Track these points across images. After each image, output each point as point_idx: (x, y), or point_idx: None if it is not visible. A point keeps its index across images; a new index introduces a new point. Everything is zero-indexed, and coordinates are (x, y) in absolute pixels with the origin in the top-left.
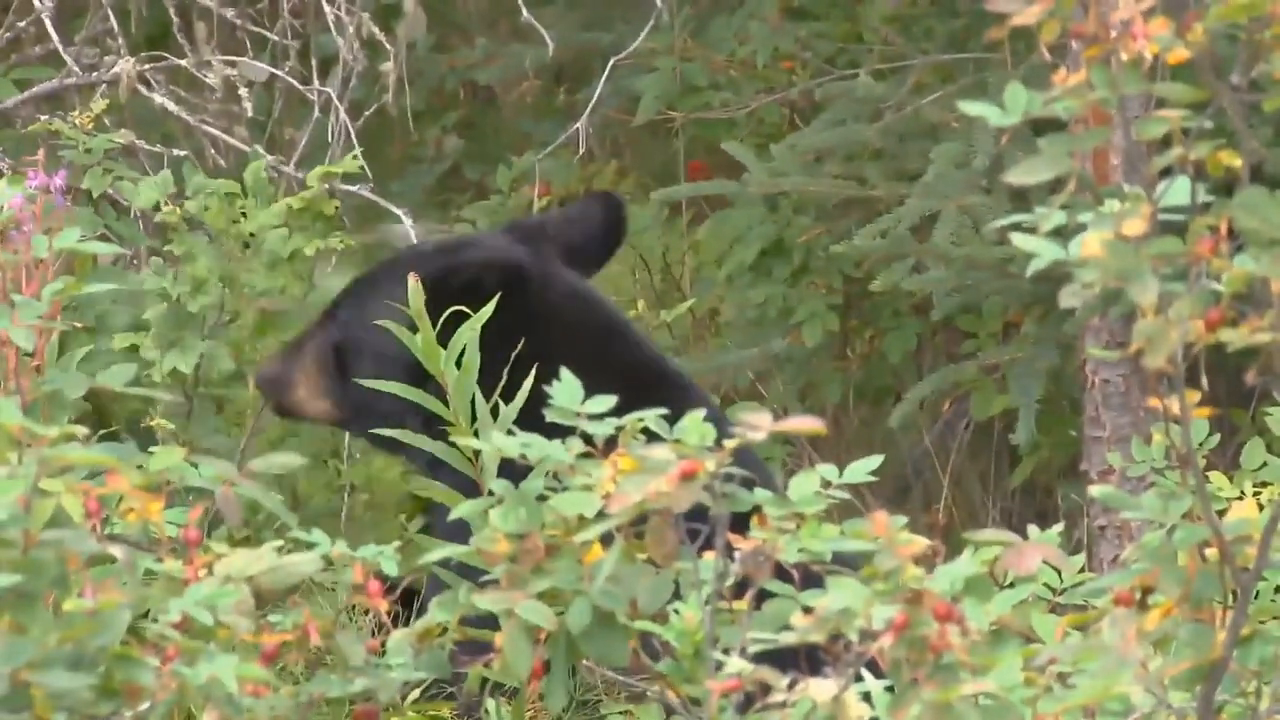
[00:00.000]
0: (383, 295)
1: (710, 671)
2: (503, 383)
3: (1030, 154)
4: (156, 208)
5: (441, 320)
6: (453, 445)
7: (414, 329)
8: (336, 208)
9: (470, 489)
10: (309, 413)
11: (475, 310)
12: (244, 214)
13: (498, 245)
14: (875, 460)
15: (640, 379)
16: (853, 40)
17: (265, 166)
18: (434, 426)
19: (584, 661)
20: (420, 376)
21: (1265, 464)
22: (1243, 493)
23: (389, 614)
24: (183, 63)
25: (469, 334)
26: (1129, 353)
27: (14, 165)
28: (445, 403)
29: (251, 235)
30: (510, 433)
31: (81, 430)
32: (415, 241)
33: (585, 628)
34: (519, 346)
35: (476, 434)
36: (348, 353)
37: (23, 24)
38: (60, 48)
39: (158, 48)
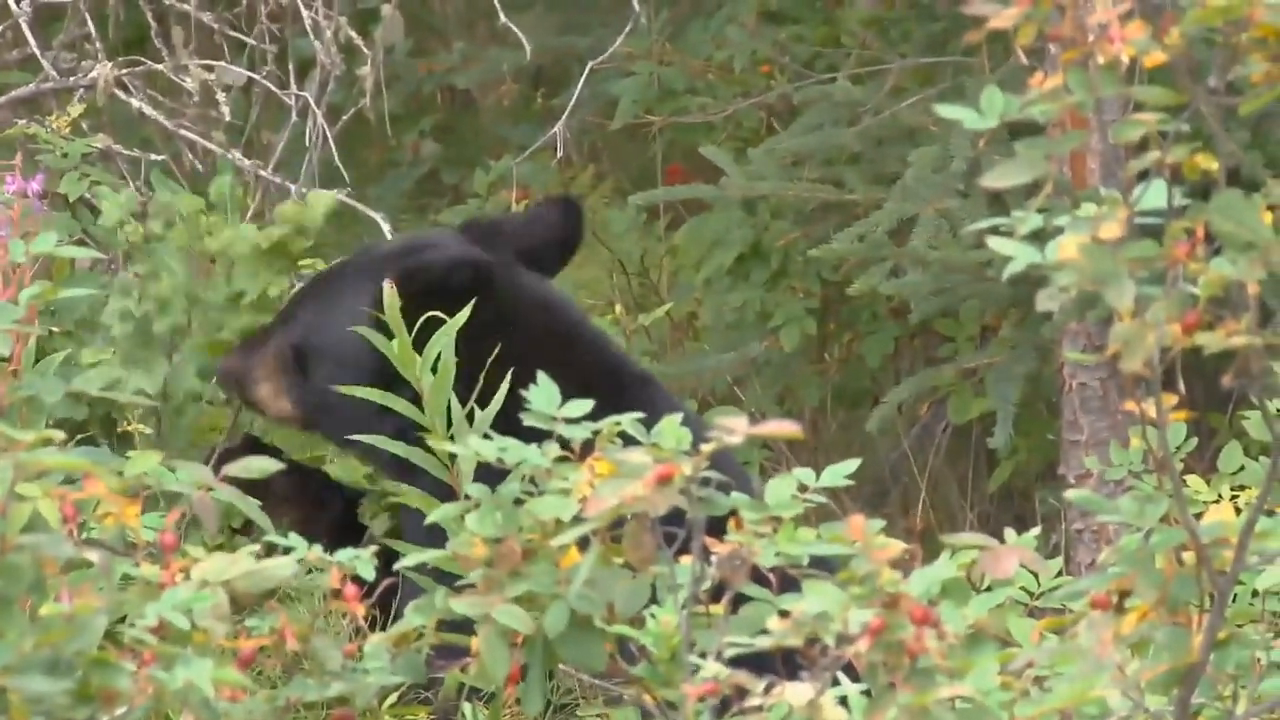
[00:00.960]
0: (346, 300)
1: (687, 675)
2: (479, 387)
3: (1007, 157)
4: (120, 225)
5: (417, 325)
6: (428, 450)
7: (385, 333)
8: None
9: (445, 495)
10: (270, 411)
11: (443, 311)
12: (209, 232)
13: (456, 246)
14: (853, 464)
15: (609, 382)
16: (830, 44)
17: (234, 176)
18: (407, 433)
19: (561, 665)
20: (383, 383)
21: (1242, 467)
22: (1220, 496)
23: (366, 618)
24: (160, 67)
25: (445, 338)
26: (1106, 356)
27: None
28: (418, 408)
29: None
30: (486, 437)
31: (58, 435)
32: (371, 242)
33: (562, 632)
34: (489, 350)
35: (452, 439)
36: (307, 356)
37: (0, 28)
38: (38, 52)
39: (135, 52)
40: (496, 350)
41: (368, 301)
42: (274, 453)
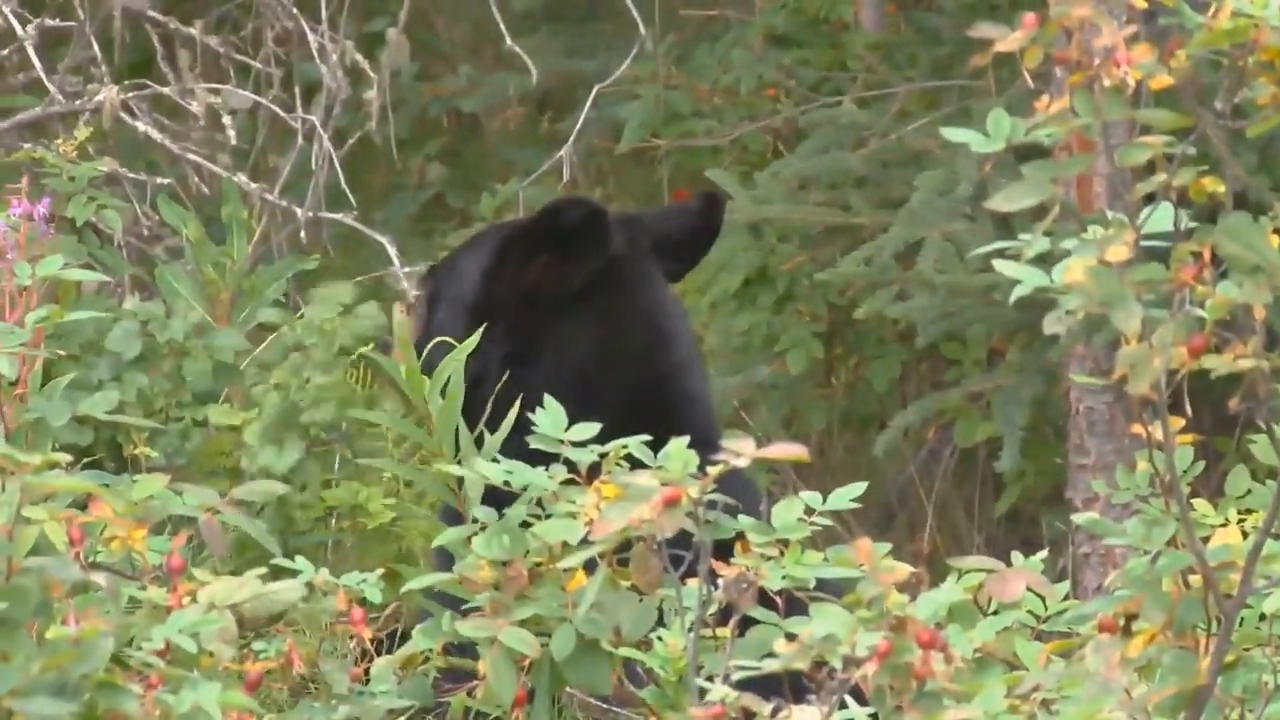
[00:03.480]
0: (471, 253)
1: (694, 699)
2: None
3: (1014, 181)
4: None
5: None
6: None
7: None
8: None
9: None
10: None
11: (570, 258)
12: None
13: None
14: (859, 487)
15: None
16: (836, 68)
17: (240, 200)
18: (489, 373)
19: (568, 689)
20: (480, 318)
21: (1249, 491)
22: (1227, 520)
23: (373, 641)
24: (166, 91)
25: (454, 364)
26: (1113, 380)
27: None
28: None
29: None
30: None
31: (65, 458)
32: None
33: (569, 655)
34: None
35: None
36: (434, 303)
37: (5, 52)
38: (43, 75)
39: (141, 76)
40: (588, 344)
41: (485, 257)
42: None
